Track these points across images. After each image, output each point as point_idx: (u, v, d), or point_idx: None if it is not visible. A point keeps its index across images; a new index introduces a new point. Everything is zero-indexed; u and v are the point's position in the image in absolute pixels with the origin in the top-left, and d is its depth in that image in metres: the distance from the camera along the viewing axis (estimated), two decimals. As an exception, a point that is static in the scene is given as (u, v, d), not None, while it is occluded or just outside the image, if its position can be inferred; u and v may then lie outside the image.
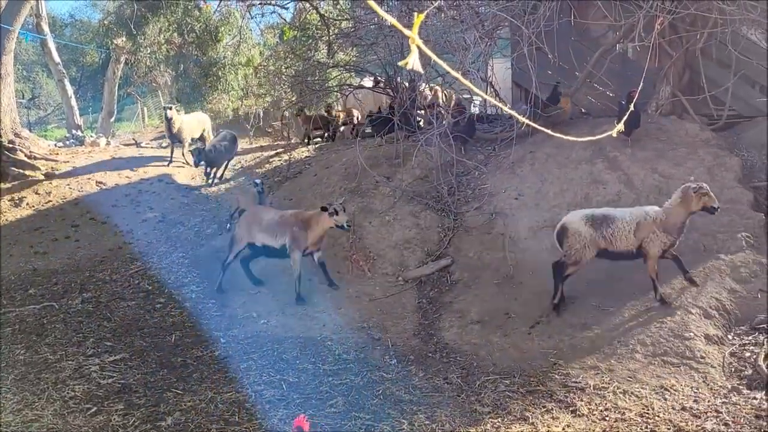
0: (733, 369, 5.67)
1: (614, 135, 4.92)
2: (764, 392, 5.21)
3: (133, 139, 20.23)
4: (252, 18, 15.06)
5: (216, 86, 18.00)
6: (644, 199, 8.06)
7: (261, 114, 18.44)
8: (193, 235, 10.04)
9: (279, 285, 8.16)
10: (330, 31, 12.00)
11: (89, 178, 12.56)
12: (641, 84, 7.32)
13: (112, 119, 21.31)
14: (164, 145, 17.31)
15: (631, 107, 6.70)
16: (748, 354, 5.83)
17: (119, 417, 5.51)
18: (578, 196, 8.38)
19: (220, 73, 17.68)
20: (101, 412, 5.59)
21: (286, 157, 12.48)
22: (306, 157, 12.17)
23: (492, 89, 11.19)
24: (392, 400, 5.64)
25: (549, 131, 4.26)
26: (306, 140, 14.08)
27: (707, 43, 9.38)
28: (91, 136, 18.17)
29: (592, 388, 5.51)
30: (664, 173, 8.32)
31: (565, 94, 9.64)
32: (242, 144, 16.27)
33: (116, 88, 20.75)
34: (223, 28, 17.38)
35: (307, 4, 12.68)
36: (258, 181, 9.41)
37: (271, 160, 12.99)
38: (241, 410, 5.59)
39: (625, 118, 6.06)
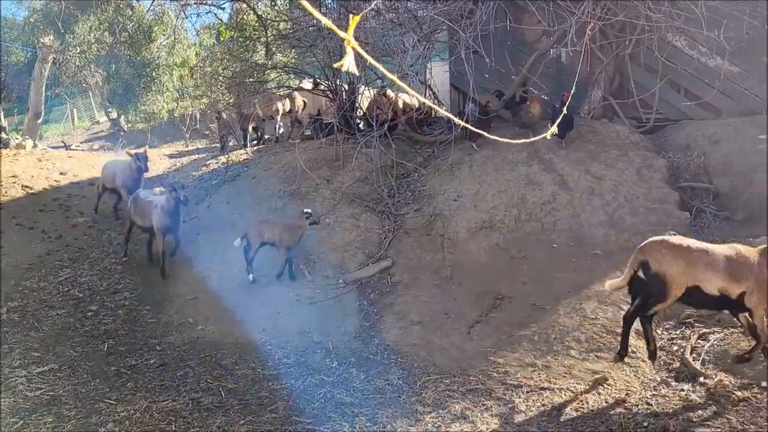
0: (662, 362, 5.88)
1: (548, 137, 5.05)
2: (691, 384, 5.43)
3: (63, 141, 19.52)
4: (187, 18, 14.74)
5: (150, 87, 17.52)
6: (578, 199, 8.31)
7: (198, 116, 18.08)
8: (125, 240, 9.71)
9: (215, 290, 8.00)
10: (268, 32, 11.85)
11: (14, 182, 11.99)
12: (574, 88, 7.54)
13: (39, 121, 20.40)
14: (95, 147, 16.79)
15: (564, 110, 6.88)
16: (676, 348, 6.07)
17: (48, 430, 5.28)
18: (515, 198, 8.55)
19: (154, 74, 17.23)
20: (28, 426, 5.34)
21: (223, 159, 12.25)
22: (244, 159, 11.98)
23: (431, 92, 11.31)
24: (333, 403, 5.60)
25: (485, 133, 4.34)
26: (222, 144, 13.90)
27: (635, 49, 9.75)
28: (17, 139, 17.38)
29: (529, 385, 5.62)
30: (596, 174, 8.59)
31: (533, 98, 9.74)
32: (178, 147, 15.93)
33: (43, 88, 19.89)
34: (156, 28, 16.94)
35: (244, 5, 12.50)
36: (308, 210, 8.01)
37: (207, 162, 12.73)
38: (177, 419, 5.45)
39: (558, 120, 6.23)
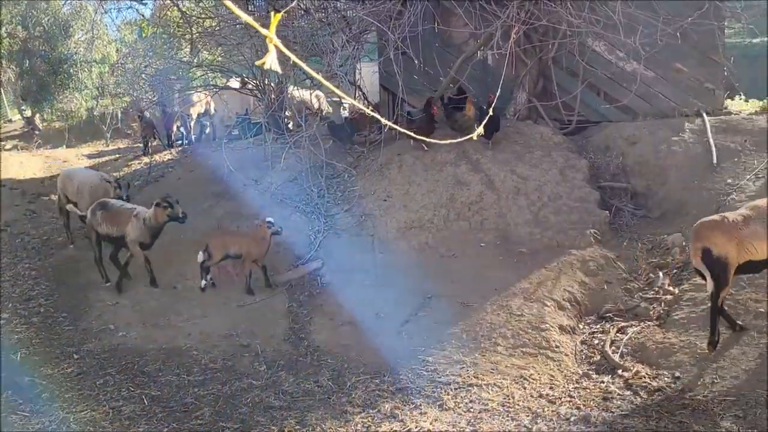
0: (583, 356, 6.09)
1: (475, 138, 5.12)
2: (610, 376, 5.64)
3: (-28, 140, 18.41)
4: (106, 13, 14.16)
5: (67, 84, 16.75)
6: (504, 199, 8.48)
7: (119, 114, 17.43)
8: (40, 244, 9.26)
9: (138, 294, 7.72)
10: (193, 29, 11.55)
11: None
12: (499, 90, 7.70)
13: (-54, 119, 19.25)
14: (7, 147, 15.93)
15: (491, 112, 7.01)
16: (596, 341, 6.29)
17: (-47, 447, 4.96)
18: (444, 197, 8.64)
19: (71, 71, 16.49)
20: (-70, 444, 5.00)
21: (146, 159, 11.85)
22: (169, 159, 11.65)
23: (360, 92, 11.30)
24: (262, 407, 5.50)
25: (412, 134, 4.37)
26: (144, 144, 13.38)
27: (558, 53, 10.04)
28: None
29: (457, 382, 5.68)
30: (521, 174, 8.79)
31: (467, 100, 9.71)
32: (98, 146, 15.37)
33: (-50, 84, 18.76)
34: (74, 23, 16.22)
35: (168, 0, 12.15)
36: (271, 219, 7.60)
37: (130, 163, 12.29)
38: (97, 429, 5.23)
39: (485, 122, 6.34)
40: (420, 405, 5.37)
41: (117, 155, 13.98)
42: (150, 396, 5.74)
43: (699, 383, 5.27)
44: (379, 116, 3.93)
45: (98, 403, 5.66)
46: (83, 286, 8.11)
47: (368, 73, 11.67)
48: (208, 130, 14.16)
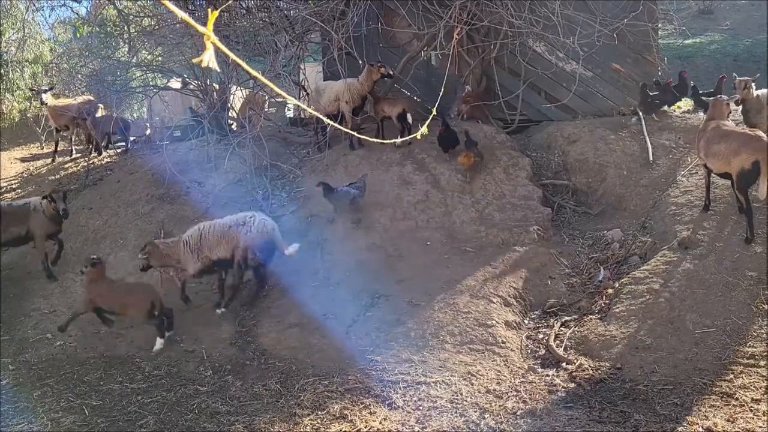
0: (529, 351, 6.19)
1: (419, 137, 5.16)
2: (555, 369, 5.76)
3: None
4: (38, 11, 13.64)
5: (-3, 85, 16.02)
6: (450, 197, 8.56)
7: (55, 116, 16.76)
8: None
9: (77, 302, 7.46)
10: (130, 28, 11.24)
11: None
12: (443, 89, 7.77)
13: None
14: None
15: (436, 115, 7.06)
16: (541, 336, 6.41)
17: None
18: (390, 197, 8.66)
19: (2, 71, 15.80)
20: None
21: (84, 162, 11.44)
22: (107, 162, 11.29)
23: (304, 93, 11.22)
24: (208, 413, 5.41)
25: (356, 134, 4.36)
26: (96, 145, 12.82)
27: (500, 54, 10.21)
28: None
29: (406, 380, 5.70)
30: (465, 173, 8.89)
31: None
32: (32, 149, 14.81)
33: None
34: (4, 22, 15.55)
35: (104, -1, 11.80)
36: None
37: (66, 165, 11.86)
38: (34, 443, 5.04)
39: (427, 122, 6.39)
40: (369, 405, 5.37)
41: (52, 158, 13.44)
42: (91, 406, 5.57)
43: (639, 373, 5.44)
44: (323, 117, 3.92)
45: (36, 415, 5.46)
46: (18, 294, 7.80)
47: (312, 74, 11.59)
48: (148, 132, 13.80)
